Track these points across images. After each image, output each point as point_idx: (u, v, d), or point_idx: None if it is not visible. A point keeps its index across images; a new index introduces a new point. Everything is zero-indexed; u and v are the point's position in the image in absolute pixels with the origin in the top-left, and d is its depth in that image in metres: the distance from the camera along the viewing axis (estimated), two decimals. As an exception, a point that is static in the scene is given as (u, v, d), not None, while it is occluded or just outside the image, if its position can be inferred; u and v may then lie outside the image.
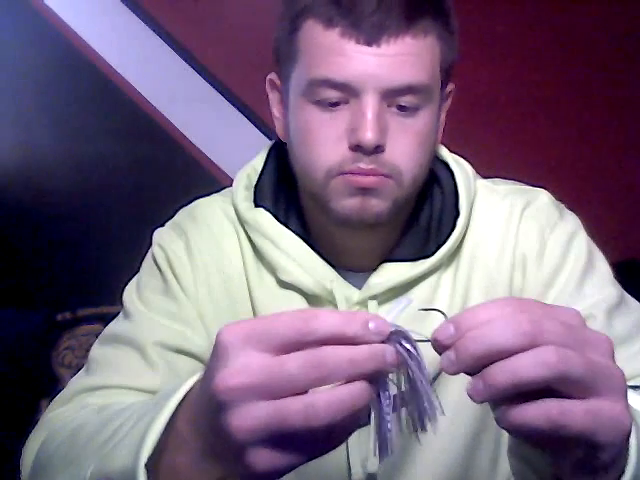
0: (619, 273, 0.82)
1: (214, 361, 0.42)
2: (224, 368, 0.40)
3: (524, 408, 0.41)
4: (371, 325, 0.41)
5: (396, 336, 0.42)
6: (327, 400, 0.39)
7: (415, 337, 0.42)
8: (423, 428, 0.43)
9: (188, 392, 0.48)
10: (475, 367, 0.41)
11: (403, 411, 0.43)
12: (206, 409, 0.43)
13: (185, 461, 0.46)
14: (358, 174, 0.71)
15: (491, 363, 0.40)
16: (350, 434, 0.43)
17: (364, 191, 0.72)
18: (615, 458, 0.44)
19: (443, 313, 0.43)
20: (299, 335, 0.40)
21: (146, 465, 0.47)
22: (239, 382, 0.40)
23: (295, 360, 0.40)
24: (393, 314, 0.43)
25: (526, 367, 0.39)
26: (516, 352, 0.40)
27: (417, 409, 0.43)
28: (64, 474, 0.59)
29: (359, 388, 0.40)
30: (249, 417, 0.39)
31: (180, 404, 0.48)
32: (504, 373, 0.40)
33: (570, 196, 0.88)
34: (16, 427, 0.78)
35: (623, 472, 0.46)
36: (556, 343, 0.40)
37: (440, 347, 0.42)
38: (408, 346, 0.42)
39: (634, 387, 0.70)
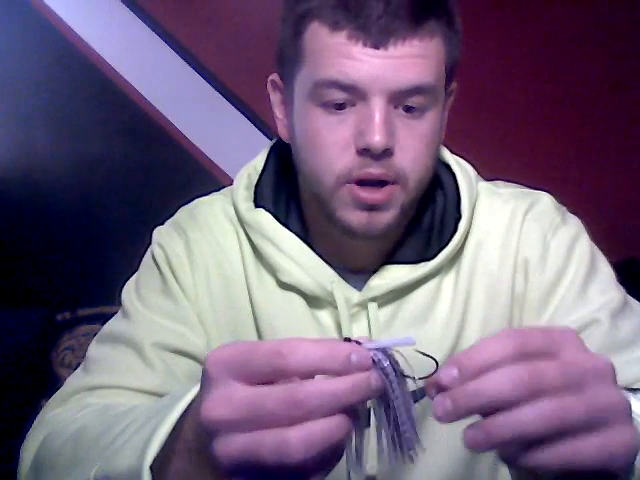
0: (619, 272, 0.82)
1: (201, 388, 0.43)
2: (208, 397, 0.41)
3: (537, 453, 0.41)
4: (353, 358, 0.40)
5: (380, 360, 0.41)
6: (300, 438, 0.39)
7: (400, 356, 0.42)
8: (403, 456, 0.43)
9: (193, 399, 0.48)
10: (472, 415, 0.41)
11: (384, 433, 0.43)
12: (201, 432, 0.44)
13: (193, 466, 0.47)
14: (366, 185, 0.70)
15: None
16: (332, 466, 0.42)
17: (372, 206, 0.71)
18: (627, 472, 0.44)
19: (435, 360, 0.43)
20: (277, 371, 0.40)
21: (151, 467, 0.48)
22: (221, 415, 0.40)
23: (276, 397, 0.39)
24: (387, 342, 0.42)
25: (528, 421, 0.40)
26: (516, 404, 0.40)
27: (398, 437, 0.42)
28: (69, 475, 0.59)
29: (336, 424, 0.40)
30: (230, 447, 0.40)
31: (187, 409, 0.48)
32: (507, 427, 0.40)
33: (570, 195, 0.88)
34: (16, 427, 0.78)
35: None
36: (556, 389, 0.40)
37: (439, 389, 0.41)
38: (390, 370, 0.41)
39: (633, 390, 0.70)
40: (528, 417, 0.40)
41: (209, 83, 2.04)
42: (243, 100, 2.04)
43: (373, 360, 0.41)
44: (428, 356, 0.43)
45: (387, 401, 0.42)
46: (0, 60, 1.98)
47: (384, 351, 0.42)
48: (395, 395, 0.42)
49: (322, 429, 0.39)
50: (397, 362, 0.42)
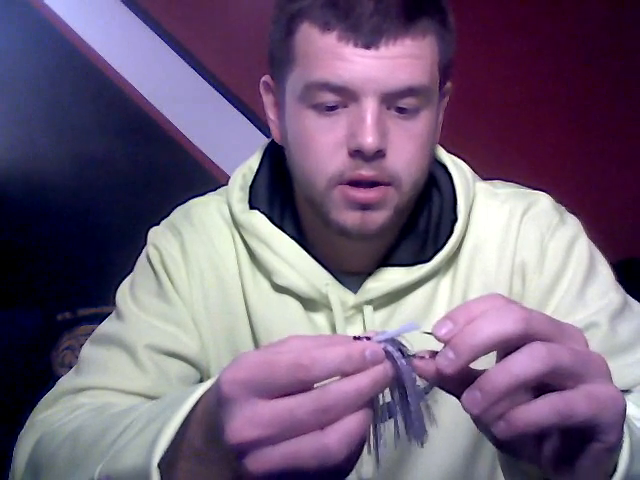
0: (619, 273, 0.81)
1: (220, 411, 0.43)
2: (232, 420, 0.41)
3: (530, 407, 0.41)
4: (368, 354, 0.42)
5: (391, 350, 0.43)
6: (338, 439, 0.40)
7: (409, 348, 0.44)
8: (414, 440, 0.44)
9: (198, 401, 0.48)
10: (473, 360, 0.42)
11: (394, 420, 0.44)
12: (222, 453, 0.44)
13: (203, 470, 0.47)
14: (359, 186, 0.70)
15: (473, 378, 0.42)
16: (359, 456, 0.43)
17: (364, 206, 0.70)
18: (618, 438, 0.44)
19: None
20: (301, 383, 0.41)
21: (158, 466, 0.48)
22: (251, 435, 0.41)
23: (305, 408, 0.41)
24: (394, 332, 0.44)
25: (522, 365, 0.41)
26: (513, 340, 0.41)
27: (406, 421, 0.44)
28: (71, 475, 0.59)
29: (365, 416, 0.41)
30: (266, 461, 0.41)
31: (192, 411, 0.48)
32: (502, 375, 0.41)
33: (570, 195, 0.88)
34: (15, 427, 0.78)
35: (614, 470, 0.47)
36: (545, 332, 0.42)
37: (440, 341, 0.43)
38: (401, 360, 0.43)
39: (624, 391, 0.69)
40: (521, 362, 0.41)
41: (209, 83, 2.04)
42: (243, 100, 2.04)
43: (384, 350, 0.43)
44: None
45: (398, 388, 0.44)
46: (1, 60, 1.98)
47: (392, 341, 0.43)
48: (407, 382, 0.43)
49: (354, 426, 0.41)
50: (405, 347, 0.44)
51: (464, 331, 0.42)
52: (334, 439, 0.40)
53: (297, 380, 0.41)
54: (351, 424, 0.41)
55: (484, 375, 0.42)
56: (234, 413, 0.41)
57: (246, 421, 0.41)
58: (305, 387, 0.41)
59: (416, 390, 0.43)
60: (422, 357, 0.44)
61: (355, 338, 0.44)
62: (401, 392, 0.44)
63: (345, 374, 0.41)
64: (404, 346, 0.44)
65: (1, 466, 0.83)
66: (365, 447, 0.44)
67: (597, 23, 2.18)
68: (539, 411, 0.41)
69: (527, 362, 0.41)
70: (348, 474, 0.43)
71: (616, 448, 0.45)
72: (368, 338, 0.43)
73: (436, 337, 0.43)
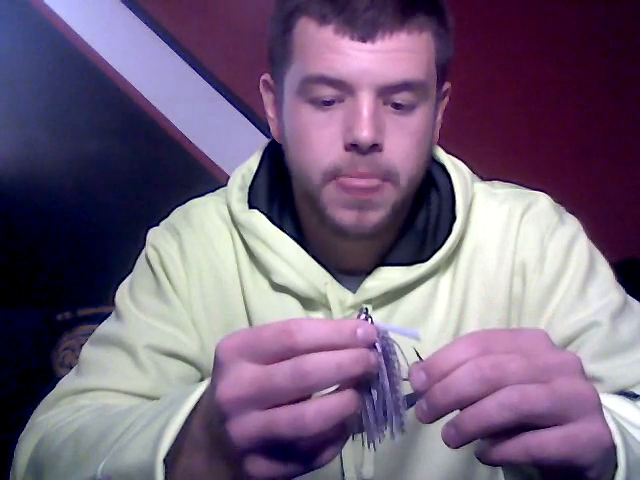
0: (619, 272, 0.81)
1: (214, 375, 0.44)
2: (222, 381, 0.42)
3: (502, 446, 0.42)
4: (359, 332, 0.41)
5: (380, 339, 0.43)
6: (315, 410, 0.40)
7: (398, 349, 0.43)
8: (385, 436, 0.44)
9: (200, 397, 0.49)
10: (449, 412, 0.42)
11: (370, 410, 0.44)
12: (214, 419, 0.44)
13: (201, 464, 0.47)
14: (354, 177, 0.69)
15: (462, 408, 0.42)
16: (344, 443, 0.44)
17: (361, 203, 0.70)
18: (602, 472, 0.44)
19: (420, 357, 0.44)
20: (286, 349, 0.41)
21: (163, 461, 0.48)
22: (234, 394, 0.41)
23: (282, 371, 0.41)
24: (396, 327, 0.44)
25: (491, 412, 0.40)
26: (481, 398, 0.41)
27: (385, 414, 0.43)
28: (73, 474, 0.59)
29: (347, 397, 0.41)
30: (244, 426, 0.41)
31: (194, 408, 0.49)
32: (472, 420, 0.41)
33: (570, 195, 0.88)
34: (15, 428, 0.78)
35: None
36: (519, 381, 0.41)
37: (416, 393, 0.43)
38: (390, 354, 0.43)
39: (635, 396, 0.69)
40: (489, 407, 0.40)
41: (209, 83, 2.04)
42: (243, 100, 2.04)
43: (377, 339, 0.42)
44: (421, 359, 0.44)
45: (375, 381, 0.43)
46: (1, 60, 1.98)
47: (386, 334, 0.43)
48: (388, 375, 0.43)
49: (335, 402, 0.41)
50: (394, 349, 0.43)
51: (436, 388, 0.42)
52: (311, 410, 0.40)
53: (282, 344, 0.41)
54: (333, 400, 0.41)
55: (460, 414, 0.42)
56: (224, 375, 0.42)
57: (231, 381, 0.42)
58: (292, 355, 0.41)
59: (397, 386, 0.43)
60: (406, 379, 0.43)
61: (360, 310, 0.44)
62: (376, 383, 0.43)
63: (334, 347, 0.41)
64: (393, 343, 0.43)
65: (1, 466, 0.83)
66: (352, 438, 0.44)
67: (597, 23, 2.18)
68: (510, 452, 0.41)
69: (496, 410, 0.40)
70: (328, 460, 0.43)
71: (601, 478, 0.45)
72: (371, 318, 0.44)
73: (412, 386, 0.42)
